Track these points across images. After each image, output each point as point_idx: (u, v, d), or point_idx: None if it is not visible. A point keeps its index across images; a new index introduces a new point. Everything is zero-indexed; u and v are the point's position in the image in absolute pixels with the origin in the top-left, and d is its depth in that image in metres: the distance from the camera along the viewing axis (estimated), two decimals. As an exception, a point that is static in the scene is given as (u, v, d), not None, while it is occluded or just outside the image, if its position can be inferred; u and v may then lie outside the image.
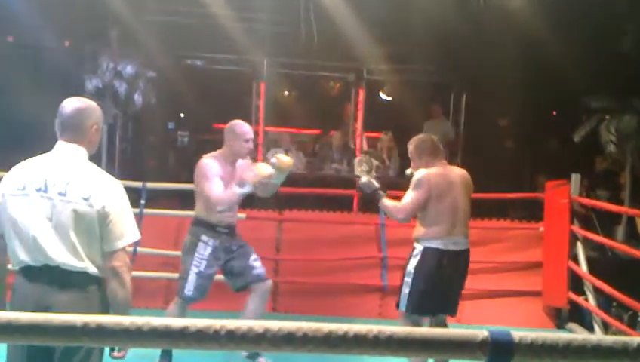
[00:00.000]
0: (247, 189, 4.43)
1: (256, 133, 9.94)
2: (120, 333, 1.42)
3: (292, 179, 9.53)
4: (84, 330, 1.41)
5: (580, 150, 9.01)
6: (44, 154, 2.79)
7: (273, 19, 9.19)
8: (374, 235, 7.09)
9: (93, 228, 2.66)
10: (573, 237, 6.56)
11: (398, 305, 4.39)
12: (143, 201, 6.22)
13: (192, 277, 4.59)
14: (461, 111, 9.80)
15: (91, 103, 2.90)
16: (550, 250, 6.75)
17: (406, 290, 4.30)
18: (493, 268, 7.11)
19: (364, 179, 4.66)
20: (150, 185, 6.48)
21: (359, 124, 10.09)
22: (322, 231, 6.84)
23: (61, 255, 2.64)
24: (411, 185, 4.30)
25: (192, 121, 10.85)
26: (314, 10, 8.83)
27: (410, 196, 4.28)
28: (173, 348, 1.45)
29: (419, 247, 4.32)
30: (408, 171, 4.55)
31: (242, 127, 4.65)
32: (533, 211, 7.74)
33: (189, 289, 4.59)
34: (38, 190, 2.65)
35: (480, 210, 7.84)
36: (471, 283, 7.06)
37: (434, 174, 4.28)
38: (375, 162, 8.77)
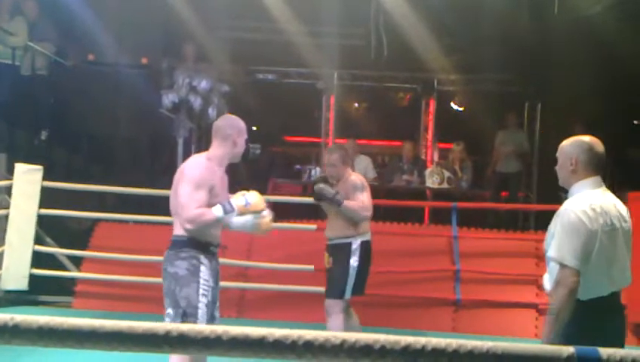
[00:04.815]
0: (229, 218, 3.63)
1: (326, 145, 10.09)
2: (200, 342, 1.45)
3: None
4: (166, 338, 1.45)
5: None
6: (594, 190, 3.04)
7: (343, 32, 9.25)
8: (446, 248, 6.99)
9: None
10: (658, 251, 6.27)
11: (331, 295, 4.81)
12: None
13: (202, 311, 3.56)
14: (536, 120, 9.54)
15: None
16: (634, 264, 6.47)
17: (351, 282, 4.80)
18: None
19: (320, 184, 4.90)
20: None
21: (430, 135, 9.99)
22: (392, 243, 6.78)
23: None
24: (355, 188, 4.87)
25: (263, 133, 11.01)
26: (383, 22, 8.82)
27: (365, 196, 4.88)
28: (252, 357, 1.47)
29: (356, 243, 4.87)
30: (321, 185, 4.88)
31: (241, 121, 3.96)
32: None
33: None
34: (618, 222, 3.00)
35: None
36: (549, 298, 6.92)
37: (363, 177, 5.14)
38: (447, 173, 8.73)
